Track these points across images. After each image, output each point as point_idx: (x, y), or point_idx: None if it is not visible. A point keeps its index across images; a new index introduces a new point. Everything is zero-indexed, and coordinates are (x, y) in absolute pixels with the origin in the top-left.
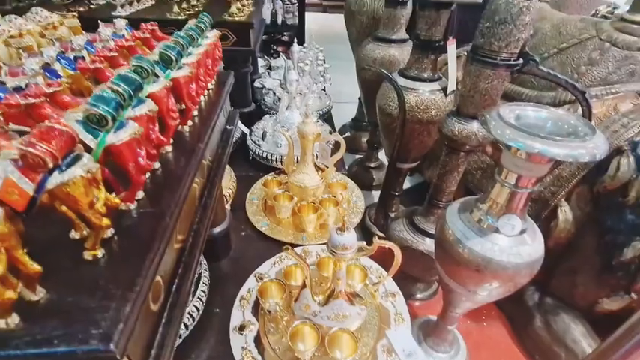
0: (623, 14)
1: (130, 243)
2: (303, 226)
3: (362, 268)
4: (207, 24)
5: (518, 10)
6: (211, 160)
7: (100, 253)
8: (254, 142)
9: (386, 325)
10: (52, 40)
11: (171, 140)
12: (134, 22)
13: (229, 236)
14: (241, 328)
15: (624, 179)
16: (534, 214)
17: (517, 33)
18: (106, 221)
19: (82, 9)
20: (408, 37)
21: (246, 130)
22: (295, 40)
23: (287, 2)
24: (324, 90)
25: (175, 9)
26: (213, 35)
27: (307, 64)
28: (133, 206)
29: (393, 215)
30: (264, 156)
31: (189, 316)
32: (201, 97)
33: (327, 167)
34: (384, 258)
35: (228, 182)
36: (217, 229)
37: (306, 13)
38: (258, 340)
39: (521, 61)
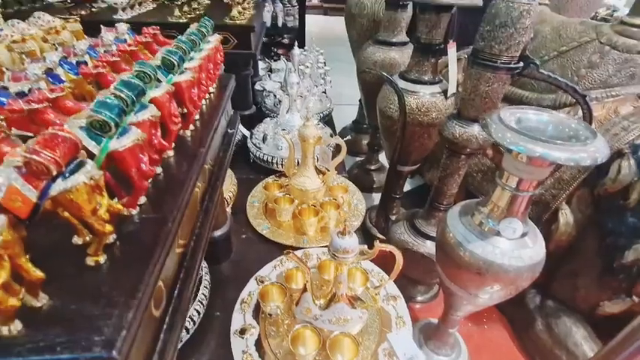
0: (623, 17)
1: (133, 248)
2: (304, 229)
3: (363, 272)
4: (208, 28)
5: (518, 14)
6: (213, 164)
7: (102, 259)
8: (255, 144)
9: (387, 329)
10: (54, 44)
11: (173, 145)
12: (136, 25)
13: (230, 239)
14: (242, 331)
15: (625, 182)
16: (535, 216)
17: (517, 36)
18: (108, 227)
19: (83, 12)
20: (408, 39)
21: (247, 133)
22: (296, 43)
23: (287, 5)
24: (325, 92)
25: (177, 12)
26: (214, 39)
27: (308, 66)
28: (135, 211)
29: (393, 218)
30: (265, 159)
31: (189, 319)
32: (203, 101)
33: (328, 170)
34: (385, 262)
35: (229, 185)
36: (218, 232)
37: (306, 15)
38: (259, 344)
39: (521, 64)
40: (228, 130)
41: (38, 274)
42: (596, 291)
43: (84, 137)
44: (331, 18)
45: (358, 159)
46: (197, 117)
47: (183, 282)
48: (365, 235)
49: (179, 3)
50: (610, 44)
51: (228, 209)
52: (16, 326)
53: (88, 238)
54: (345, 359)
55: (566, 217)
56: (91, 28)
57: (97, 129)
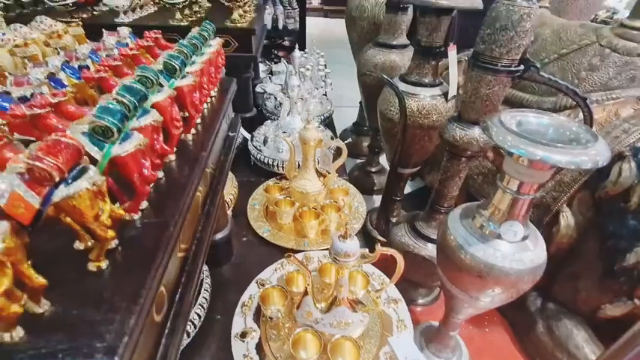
0: (623, 20)
1: (134, 253)
2: (305, 232)
3: (364, 275)
4: (210, 32)
5: (519, 17)
6: (214, 168)
7: (104, 264)
8: (255, 147)
9: (388, 333)
10: (56, 48)
11: (175, 149)
12: (137, 29)
13: (231, 242)
14: (243, 335)
15: (626, 185)
16: (536, 219)
17: (518, 40)
18: (110, 233)
19: (85, 15)
20: (408, 42)
21: (247, 136)
22: (297, 46)
23: (288, 7)
24: (326, 95)
25: (178, 15)
26: (216, 43)
27: (308, 69)
28: (137, 216)
29: (394, 220)
30: (266, 161)
31: (190, 323)
32: (204, 105)
33: (329, 173)
34: (386, 265)
35: (229, 188)
36: (219, 235)
37: (307, 18)
38: (259, 348)
39: (522, 67)
40: (230, 134)
41: (41, 280)
42: (598, 294)
43: (86, 143)
44: (331, 20)
45: (359, 161)
46: (198, 121)
47: (185, 286)
48: (365, 238)
49: (180, 6)
50: (610, 47)
51: (229, 212)
52: (18, 333)
53: (89, 244)
54: None
55: (567, 219)
56: (93, 31)
57: (100, 135)
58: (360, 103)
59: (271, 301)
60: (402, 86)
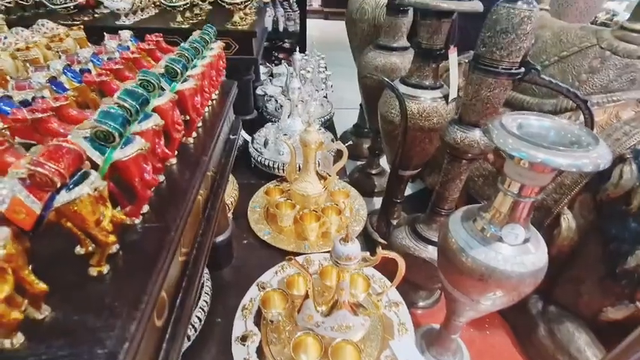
0: (623, 22)
1: (135, 258)
2: (306, 235)
3: (365, 278)
4: (211, 35)
5: (519, 20)
6: (215, 171)
7: (105, 269)
8: (256, 149)
9: (389, 336)
10: (57, 52)
11: (176, 152)
12: (138, 31)
13: (232, 245)
14: (243, 338)
15: (627, 187)
16: (537, 221)
17: (518, 42)
18: (112, 238)
19: (86, 18)
20: (409, 44)
21: (248, 138)
22: (297, 48)
23: (288, 9)
24: (326, 97)
25: (179, 18)
26: (217, 46)
27: (309, 71)
28: (138, 220)
29: (395, 222)
30: (267, 164)
31: (191, 326)
32: (206, 108)
33: (330, 175)
34: (388, 268)
35: (230, 190)
36: (220, 238)
37: (307, 20)
38: (260, 351)
39: (522, 69)
40: (230, 137)
41: (42, 286)
42: (599, 297)
43: (88, 148)
44: (332, 22)
45: (359, 163)
46: (200, 124)
47: (186, 291)
48: (366, 240)
49: (181, 8)
50: (611, 49)
51: (230, 214)
52: (19, 339)
53: (90, 248)
54: None
55: (568, 222)
56: (94, 34)
57: (101, 139)
58: (361, 105)
59: (272, 305)
60: (403, 89)
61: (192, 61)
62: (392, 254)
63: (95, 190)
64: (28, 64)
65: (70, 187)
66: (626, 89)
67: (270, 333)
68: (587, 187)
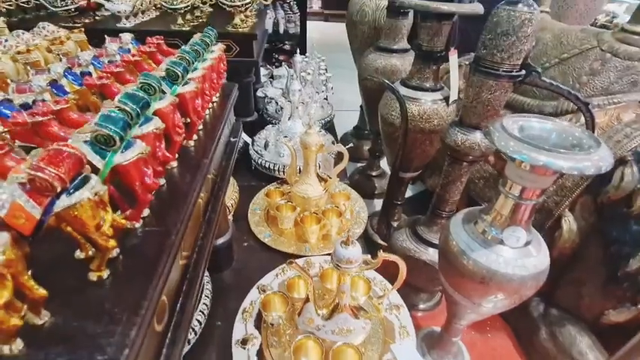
0: (624, 25)
1: (136, 262)
2: (306, 237)
3: (366, 281)
4: (212, 38)
5: (520, 23)
6: (216, 174)
7: (105, 274)
8: (256, 151)
9: (390, 339)
10: (58, 55)
11: (177, 155)
12: (139, 34)
13: (232, 247)
14: (244, 342)
15: (628, 189)
16: (538, 224)
17: (519, 45)
18: (112, 243)
19: (87, 20)
20: (409, 46)
21: (248, 140)
22: (297, 50)
23: (289, 11)
24: (326, 99)
25: (180, 20)
26: (218, 49)
27: (309, 73)
28: (138, 224)
29: (395, 224)
30: (267, 166)
31: (191, 329)
32: (206, 111)
33: (330, 177)
34: (389, 271)
35: (230, 192)
36: (220, 240)
37: (307, 22)
38: (260, 355)
39: (523, 72)
40: (231, 139)
41: (41, 292)
42: (601, 299)
43: (88, 152)
44: (332, 24)
45: (359, 165)
46: (200, 127)
47: (186, 295)
48: (367, 242)
49: (182, 11)
50: (611, 51)
51: (230, 217)
52: (17, 345)
53: (90, 253)
54: None
55: (569, 224)
56: (95, 36)
57: (102, 143)
58: (361, 107)
59: (272, 308)
60: (403, 91)
61: (193, 63)
62: (393, 257)
63: (95, 194)
64: (28, 67)
65: (71, 191)
66: (627, 91)
67: (270, 336)
68: (588, 189)
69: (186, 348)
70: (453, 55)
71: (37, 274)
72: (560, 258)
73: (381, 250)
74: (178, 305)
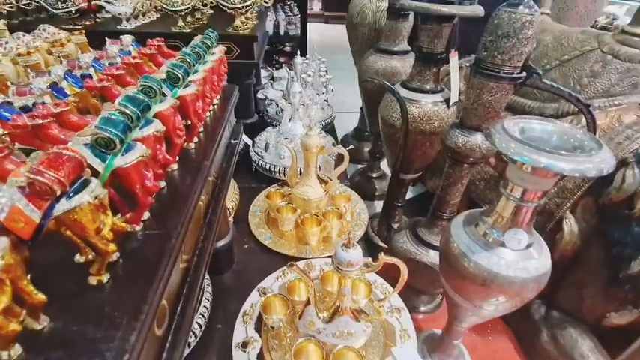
0: (624, 27)
1: (136, 266)
2: (307, 239)
3: (367, 283)
4: (213, 40)
5: (520, 24)
6: (216, 176)
7: (105, 278)
8: (257, 153)
9: (391, 342)
10: (59, 57)
11: (177, 158)
12: (140, 36)
13: (232, 249)
14: (244, 344)
15: (630, 191)
16: (539, 226)
17: (520, 47)
18: (112, 247)
19: (87, 23)
20: (410, 48)
21: (249, 142)
22: (298, 52)
23: (289, 13)
24: (327, 101)
25: (180, 22)
26: (218, 51)
27: (310, 75)
28: (138, 228)
29: (396, 226)
30: (267, 167)
31: (191, 332)
32: (207, 113)
33: (331, 179)
34: (390, 273)
35: (231, 194)
36: (220, 243)
37: (308, 23)
38: (261, 357)
39: (524, 74)
40: (232, 141)
41: (40, 297)
42: (602, 302)
43: (89, 155)
44: (332, 26)
45: (360, 166)
46: (201, 129)
47: (187, 298)
48: (367, 244)
49: (182, 13)
50: (612, 53)
51: (230, 219)
52: (16, 350)
53: (90, 256)
54: None
55: (570, 226)
56: (96, 39)
57: (102, 146)
58: (361, 108)
59: (273, 310)
60: (404, 92)
61: (194, 66)
62: (394, 260)
63: (96, 198)
64: (29, 70)
65: (70, 195)
66: (628, 93)
67: (271, 339)
68: (589, 191)
69: (187, 351)
70: (454, 57)
71: (36, 279)
72: (561, 260)
73: (382, 253)
74: (179, 309)
